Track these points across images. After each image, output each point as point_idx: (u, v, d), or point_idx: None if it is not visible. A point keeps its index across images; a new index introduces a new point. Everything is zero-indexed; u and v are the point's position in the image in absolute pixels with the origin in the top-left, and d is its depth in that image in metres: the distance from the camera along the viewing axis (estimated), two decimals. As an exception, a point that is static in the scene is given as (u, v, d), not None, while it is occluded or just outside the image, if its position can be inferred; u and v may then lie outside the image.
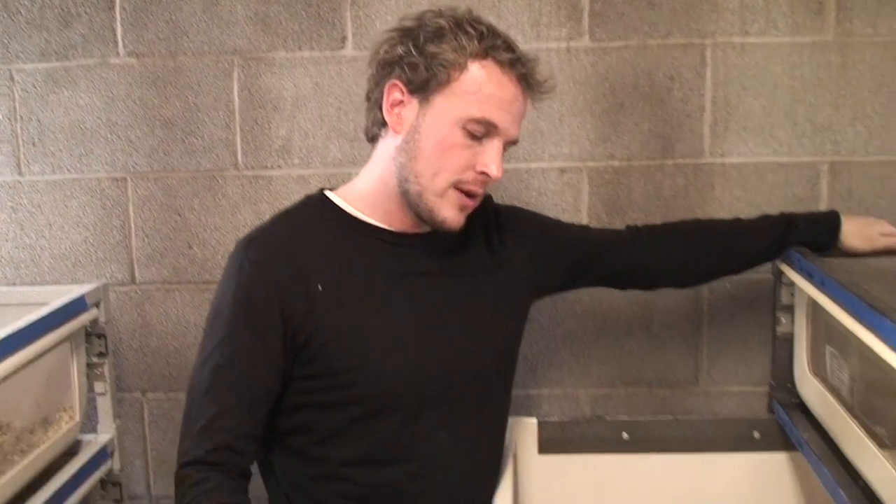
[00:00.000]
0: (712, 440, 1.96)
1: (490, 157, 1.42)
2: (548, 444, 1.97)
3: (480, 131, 1.41)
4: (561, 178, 2.03)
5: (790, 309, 1.91)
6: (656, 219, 1.80)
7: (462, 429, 1.53)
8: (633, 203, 2.03)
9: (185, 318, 2.13)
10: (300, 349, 1.43)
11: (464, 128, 1.41)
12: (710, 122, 2.00)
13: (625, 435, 1.96)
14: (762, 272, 1.94)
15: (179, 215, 2.11)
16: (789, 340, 1.91)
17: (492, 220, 1.63)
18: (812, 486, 1.92)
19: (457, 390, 1.52)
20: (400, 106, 1.45)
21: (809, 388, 1.80)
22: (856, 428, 1.52)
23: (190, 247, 2.12)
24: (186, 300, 2.13)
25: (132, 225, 2.12)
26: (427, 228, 1.51)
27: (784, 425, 1.90)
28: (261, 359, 1.43)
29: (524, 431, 1.96)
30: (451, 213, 1.45)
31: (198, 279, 2.11)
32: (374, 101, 1.49)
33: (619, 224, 1.80)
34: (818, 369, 1.78)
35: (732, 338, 2.07)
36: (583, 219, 2.03)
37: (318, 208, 1.53)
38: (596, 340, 2.09)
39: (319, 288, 1.44)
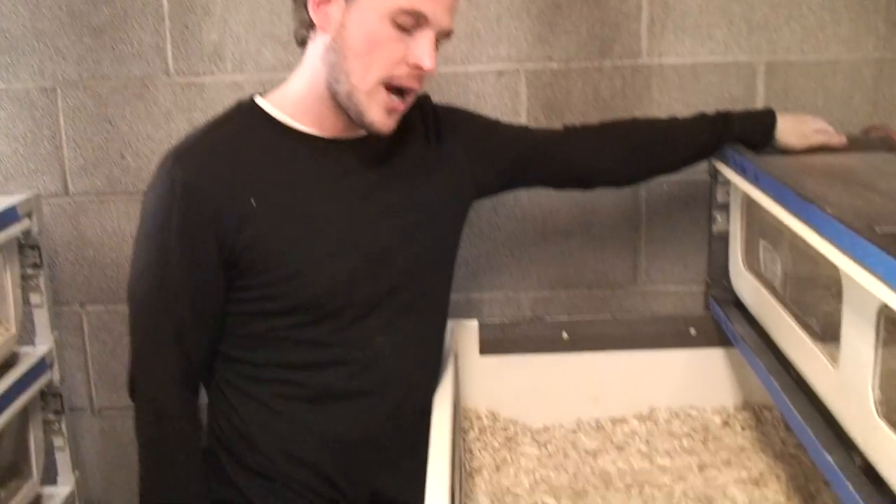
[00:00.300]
0: (650, 338, 1.98)
1: (422, 50, 1.39)
2: (489, 345, 1.98)
3: (410, 23, 1.38)
4: (499, 81, 2.02)
5: (725, 207, 1.92)
6: (594, 121, 1.79)
7: (400, 331, 1.54)
8: (571, 105, 2.02)
9: (121, 229, 2.10)
10: (234, 263, 1.42)
11: (392, 20, 1.37)
12: (647, 22, 1.99)
13: (564, 334, 1.98)
14: (698, 172, 1.95)
15: (111, 124, 2.06)
16: (725, 238, 1.93)
17: (430, 120, 1.61)
18: (747, 378, 1.97)
19: (394, 294, 1.52)
20: (326, 4, 1.40)
21: (744, 283, 1.83)
22: (788, 319, 1.55)
23: (123, 156, 2.08)
24: (121, 211, 2.10)
25: (63, 135, 2.07)
26: (362, 132, 1.48)
27: (719, 321, 1.93)
28: (200, 279, 1.42)
29: (465, 333, 1.97)
30: (378, 115, 1.41)
31: (132, 189, 2.08)
32: (300, 1, 1.45)
33: (557, 126, 1.80)
34: (752, 264, 1.80)
35: (670, 238, 2.09)
36: (521, 122, 2.02)
37: (248, 116, 1.48)
38: (536, 243, 2.10)
39: (252, 202, 1.41)
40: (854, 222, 1.19)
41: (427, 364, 1.63)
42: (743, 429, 1.94)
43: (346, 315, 1.48)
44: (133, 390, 1.49)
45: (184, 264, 1.41)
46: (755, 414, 1.98)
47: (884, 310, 1.14)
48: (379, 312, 1.51)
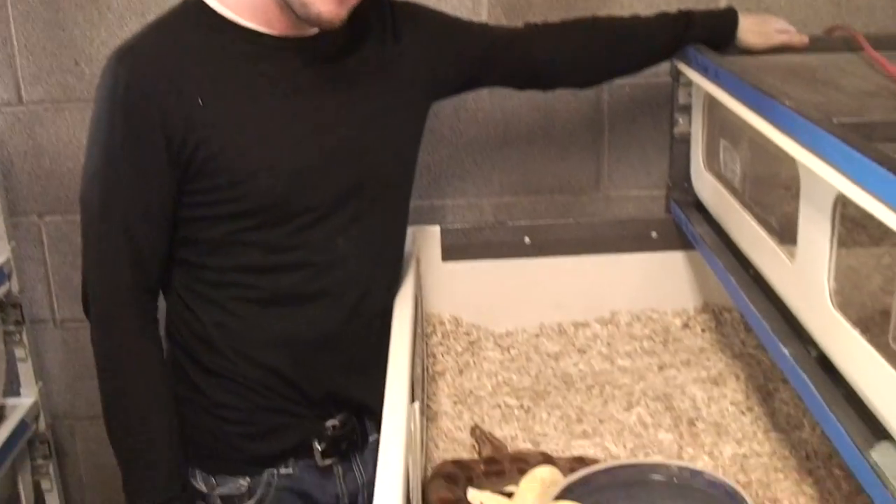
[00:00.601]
0: (611, 241, 1.99)
1: None
2: (451, 251, 1.98)
3: None
4: (459, -18, 1.99)
5: (687, 109, 1.91)
6: (556, 20, 1.76)
7: (361, 233, 1.52)
8: (532, 5, 1.99)
9: (78, 137, 2.06)
10: (185, 165, 1.39)
11: None
12: (610, -79, 1.96)
13: (527, 239, 1.98)
14: (661, 74, 1.93)
15: (63, 31, 2.01)
16: (686, 141, 1.92)
17: (387, 16, 1.57)
18: (707, 281, 1.98)
19: (352, 195, 1.50)
20: None
21: (704, 184, 1.83)
22: (747, 217, 1.56)
23: (77, 63, 2.03)
24: (77, 119, 2.06)
25: (15, 43, 2.02)
26: (313, 30, 1.45)
27: (680, 223, 1.93)
28: (150, 181, 1.39)
29: (427, 239, 1.96)
30: (325, 5, 1.35)
31: (87, 97, 2.03)
32: None
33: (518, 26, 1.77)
34: (712, 165, 1.80)
35: (632, 143, 2.08)
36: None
37: (194, 14, 1.43)
38: (498, 149, 2.08)
39: (200, 102, 1.38)
40: (812, 114, 1.19)
41: (387, 267, 1.62)
42: (703, 330, 1.97)
43: (304, 217, 1.46)
44: (87, 305, 1.48)
45: (132, 166, 1.39)
46: (715, 316, 2.00)
47: (840, 199, 1.15)
48: (338, 215, 1.49)
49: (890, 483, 1.02)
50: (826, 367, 1.25)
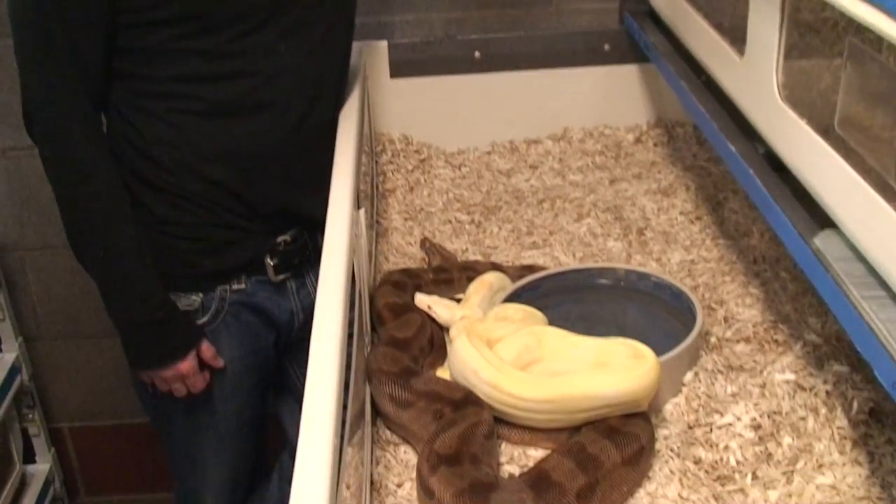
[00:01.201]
0: (563, 55, 1.94)
1: None
2: (399, 68, 1.93)
3: None
4: None
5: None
6: None
7: (303, 42, 1.48)
8: None
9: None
10: None
11: None
12: None
13: (477, 54, 1.93)
14: None
15: None
16: (641, -53, 1.87)
17: None
18: (661, 95, 1.96)
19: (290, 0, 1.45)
20: None
21: (658, -9, 1.79)
22: (698, 19, 1.52)
23: None
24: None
25: None
26: None
27: (633, 33, 1.89)
28: None
29: (375, 55, 1.91)
30: None
31: None
32: None
33: None
34: (666, -30, 1.76)
35: (586, -47, 2.02)
36: None
37: None
38: (447, -40, 2.02)
39: None
40: None
41: (333, 80, 1.58)
42: (655, 145, 1.95)
43: (243, 23, 1.41)
44: (30, 126, 1.43)
45: None
46: (668, 130, 1.99)
47: (789, -13, 1.12)
48: (278, 20, 1.44)
49: (831, 266, 1.02)
50: (773, 165, 1.24)
